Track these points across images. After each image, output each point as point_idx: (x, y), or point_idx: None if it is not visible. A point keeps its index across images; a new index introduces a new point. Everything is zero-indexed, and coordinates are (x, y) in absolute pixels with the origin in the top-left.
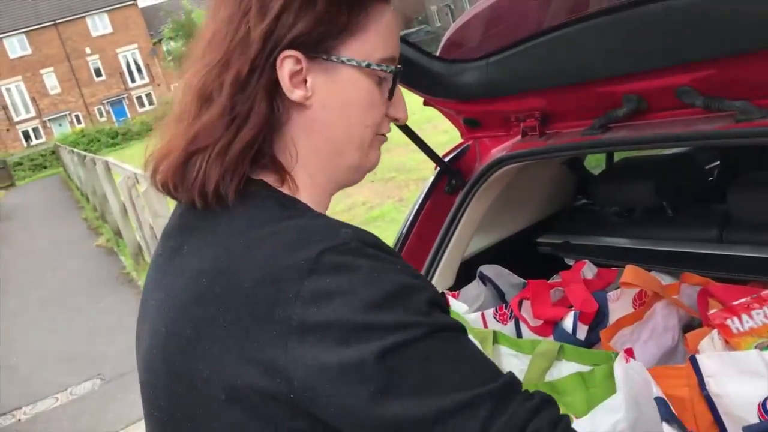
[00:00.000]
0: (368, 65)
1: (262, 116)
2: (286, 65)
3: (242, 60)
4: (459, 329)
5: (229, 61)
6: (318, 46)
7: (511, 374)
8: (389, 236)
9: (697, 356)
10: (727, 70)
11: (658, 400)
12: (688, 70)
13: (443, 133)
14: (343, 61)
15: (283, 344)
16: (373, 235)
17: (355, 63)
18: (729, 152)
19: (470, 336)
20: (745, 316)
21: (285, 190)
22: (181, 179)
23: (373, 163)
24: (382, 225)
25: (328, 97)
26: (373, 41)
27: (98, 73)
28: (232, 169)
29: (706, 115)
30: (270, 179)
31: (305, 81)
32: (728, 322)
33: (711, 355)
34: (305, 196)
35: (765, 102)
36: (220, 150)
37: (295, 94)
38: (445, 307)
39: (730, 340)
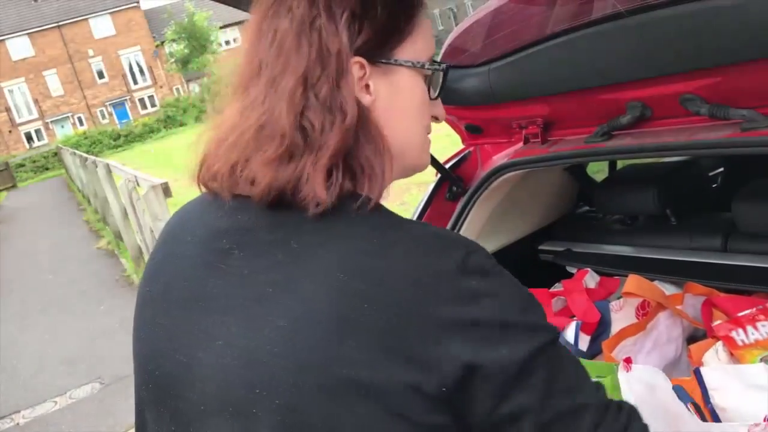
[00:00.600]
0: (422, 65)
1: (352, 123)
2: (354, 72)
3: (326, 73)
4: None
5: (310, 74)
6: (379, 51)
7: (600, 384)
8: None
9: (702, 369)
10: (733, 78)
11: (677, 388)
12: (693, 78)
13: (446, 137)
14: (401, 64)
15: (436, 340)
16: None
17: (411, 64)
18: (733, 159)
19: None
20: (750, 328)
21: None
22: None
23: (425, 163)
24: None
25: (388, 100)
26: (421, 44)
27: (101, 75)
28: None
29: (711, 123)
30: (350, 184)
31: (368, 86)
32: (733, 333)
33: (716, 367)
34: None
35: None
36: (319, 157)
37: (365, 100)
38: None
39: (735, 353)
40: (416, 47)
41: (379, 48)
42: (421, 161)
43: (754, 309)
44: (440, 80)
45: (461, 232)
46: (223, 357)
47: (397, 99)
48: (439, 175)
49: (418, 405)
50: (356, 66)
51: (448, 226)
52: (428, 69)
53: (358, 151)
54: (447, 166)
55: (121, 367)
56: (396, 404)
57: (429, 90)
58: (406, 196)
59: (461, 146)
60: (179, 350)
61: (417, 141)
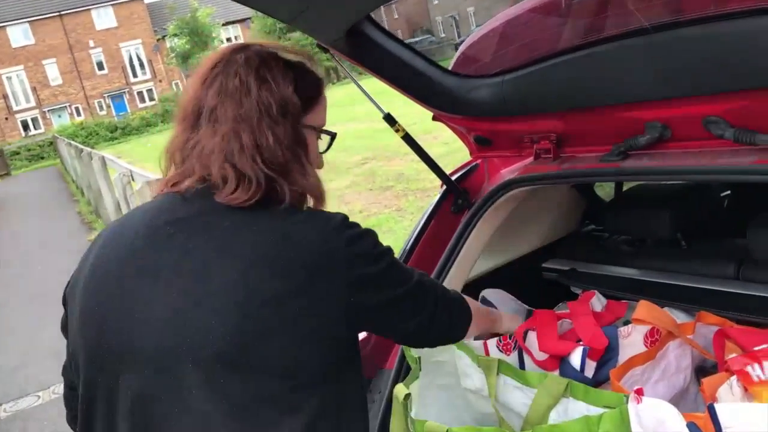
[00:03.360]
0: (319, 129)
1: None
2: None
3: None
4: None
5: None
6: (305, 114)
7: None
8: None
9: (716, 406)
10: (761, 103)
11: (690, 426)
12: (718, 100)
13: (443, 144)
14: (312, 127)
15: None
16: None
17: (312, 128)
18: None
19: (473, 363)
20: (766, 364)
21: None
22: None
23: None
24: (378, 234)
25: (308, 149)
26: (320, 114)
27: (100, 67)
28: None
29: (734, 147)
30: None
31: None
32: (749, 369)
33: (731, 405)
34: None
35: None
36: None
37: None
38: None
39: (751, 389)
40: (317, 116)
41: (305, 112)
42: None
43: None
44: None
45: (465, 247)
46: (177, 311)
47: (309, 150)
48: (444, 187)
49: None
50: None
51: (452, 241)
52: (320, 132)
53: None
54: (453, 178)
55: None
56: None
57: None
58: (403, 202)
59: (453, 152)
60: (132, 313)
61: (318, 180)
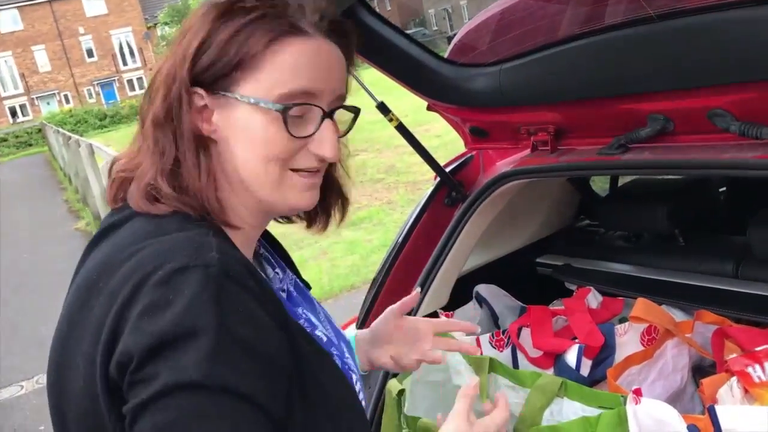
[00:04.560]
0: (257, 103)
1: (174, 150)
2: (194, 101)
3: (161, 98)
4: (238, 396)
5: (155, 98)
6: (216, 84)
7: None
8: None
9: (717, 408)
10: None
11: (690, 428)
12: (723, 92)
13: (436, 137)
14: (237, 98)
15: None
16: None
17: (246, 100)
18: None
19: (464, 360)
20: (767, 364)
21: (218, 214)
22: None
23: (292, 204)
24: (368, 227)
25: (228, 132)
26: (271, 78)
27: (90, 54)
28: (147, 191)
29: (740, 141)
30: (205, 206)
31: (212, 116)
32: (749, 369)
33: (732, 408)
34: (234, 219)
35: None
36: (141, 175)
37: (205, 128)
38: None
39: (751, 390)
40: (259, 84)
41: (215, 81)
42: (281, 198)
43: None
44: (311, 120)
45: (459, 240)
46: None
47: (236, 132)
48: (438, 179)
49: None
50: (196, 96)
51: (445, 234)
52: (264, 106)
53: (182, 174)
54: (447, 170)
55: None
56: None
57: (291, 127)
58: (393, 194)
59: (446, 145)
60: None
61: (262, 175)
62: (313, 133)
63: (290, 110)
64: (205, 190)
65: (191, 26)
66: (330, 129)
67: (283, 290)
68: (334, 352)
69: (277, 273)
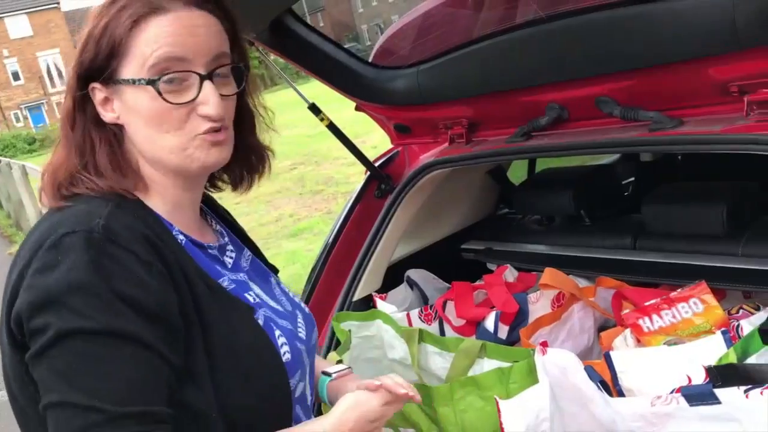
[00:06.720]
0: (134, 81)
1: (83, 140)
2: (96, 95)
3: (67, 97)
4: (126, 338)
5: (68, 93)
6: (105, 75)
7: (145, 408)
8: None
9: (611, 353)
10: (642, 82)
11: (588, 369)
12: (606, 81)
13: (371, 148)
14: (119, 82)
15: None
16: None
17: (126, 82)
18: (644, 167)
19: (397, 334)
20: (655, 316)
21: (139, 191)
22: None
23: (203, 163)
24: (309, 237)
25: (127, 116)
26: (142, 55)
27: (16, 77)
28: (60, 182)
29: (623, 124)
30: (121, 185)
31: (113, 105)
32: (640, 321)
33: (623, 352)
34: (154, 195)
35: (676, 113)
36: (56, 168)
37: (107, 117)
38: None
39: (642, 338)
40: (134, 62)
41: (102, 71)
42: (190, 161)
43: (659, 299)
44: (186, 85)
45: (389, 229)
46: None
47: (131, 113)
48: (368, 174)
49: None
50: (96, 89)
51: (376, 223)
52: (141, 83)
53: (95, 160)
54: (376, 164)
55: None
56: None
57: (164, 95)
58: (333, 205)
59: (360, 131)
60: None
61: (166, 147)
62: (196, 97)
63: (162, 80)
64: (117, 172)
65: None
66: (211, 89)
67: (226, 258)
68: (263, 313)
69: (228, 245)
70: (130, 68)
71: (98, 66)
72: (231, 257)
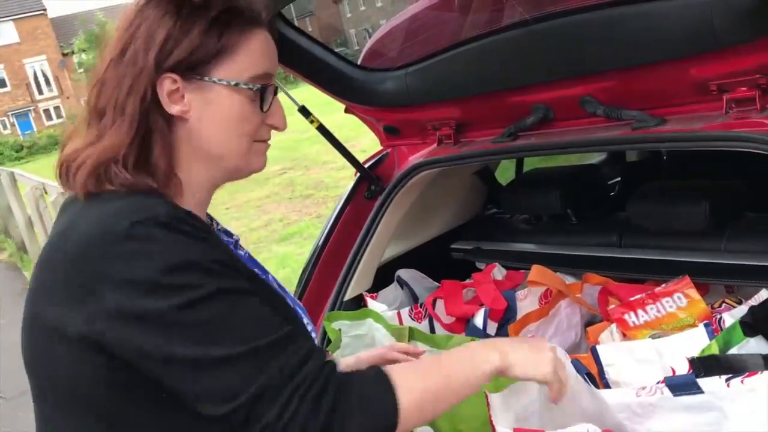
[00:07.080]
0: (236, 84)
1: (137, 129)
2: (165, 85)
3: (127, 87)
4: (240, 292)
5: (121, 83)
6: (193, 69)
7: (288, 329)
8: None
9: (598, 347)
10: (624, 82)
11: (574, 362)
12: (590, 81)
13: (362, 152)
14: (214, 81)
15: (100, 295)
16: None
17: (224, 83)
18: (629, 166)
19: (388, 332)
20: (640, 311)
21: (169, 188)
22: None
23: (254, 168)
24: (299, 241)
25: (202, 112)
26: (244, 62)
27: (2, 84)
28: (99, 171)
29: (607, 123)
30: (151, 180)
31: (183, 97)
32: (626, 316)
33: (609, 345)
34: (187, 193)
35: (659, 111)
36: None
37: (173, 109)
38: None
39: (628, 333)
40: (237, 66)
41: (192, 66)
42: (243, 166)
43: (644, 294)
44: (270, 96)
45: (379, 229)
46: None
47: (211, 111)
48: (358, 175)
49: (95, 354)
50: (168, 80)
51: (366, 224)
52: (243, 87)
53: (150, 151)
54: (366, 166)
55: (24, 381)
56: (85, 352)
57: (261, 104)
58: (323, 209)
59: (349, 135)
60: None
61: (235, 148)
62: (269, 108)
63: (257, 88)
64: (167, 164)
65: (132, 20)
66: (279, 103)
67: (240, 252)
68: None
69: (229, 241)
70: (228, 71)
71: (193, 60)
72: (241, 253)
